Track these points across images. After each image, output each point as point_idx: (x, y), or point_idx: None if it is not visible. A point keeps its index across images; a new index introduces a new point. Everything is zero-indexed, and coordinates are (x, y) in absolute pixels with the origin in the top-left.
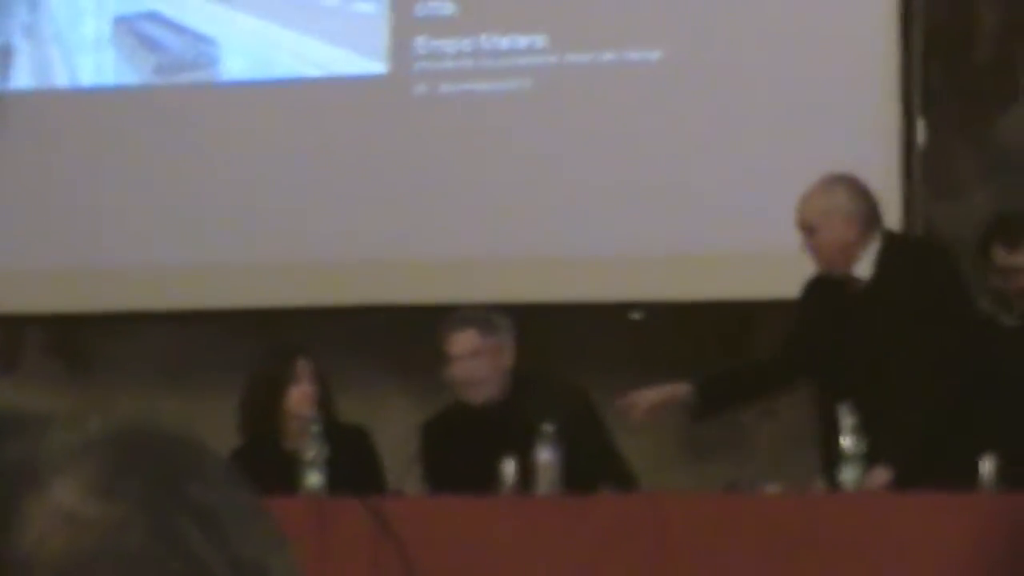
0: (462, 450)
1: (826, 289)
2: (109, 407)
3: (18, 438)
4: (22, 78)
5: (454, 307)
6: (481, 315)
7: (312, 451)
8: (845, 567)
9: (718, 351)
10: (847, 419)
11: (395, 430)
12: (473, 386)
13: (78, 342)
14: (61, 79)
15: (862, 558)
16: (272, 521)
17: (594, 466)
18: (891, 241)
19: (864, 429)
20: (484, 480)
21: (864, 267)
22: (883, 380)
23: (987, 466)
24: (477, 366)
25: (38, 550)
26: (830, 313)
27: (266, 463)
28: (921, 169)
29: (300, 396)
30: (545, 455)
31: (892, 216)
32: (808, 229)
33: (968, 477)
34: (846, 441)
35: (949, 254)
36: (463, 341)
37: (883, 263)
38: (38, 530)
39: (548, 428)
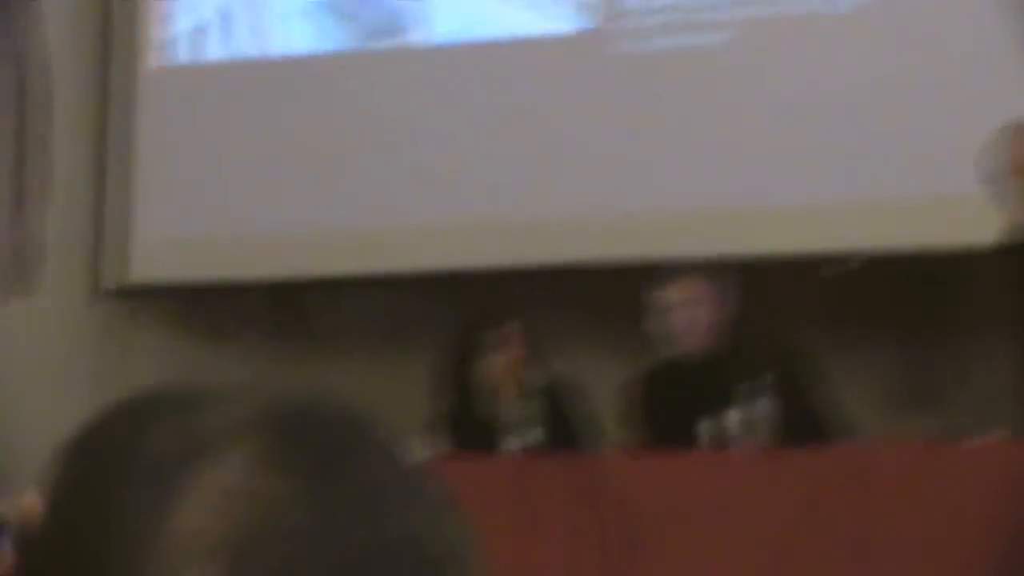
0: (671, 407)
1: None
2: (331, 380)
3: (189, 414)
4: (235, 46)
5: (657, 263)
6: (701, 265)
7: (514, 415)
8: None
9: (918, 301)
10: None
11: (603, 388)
12: (694, 334)
13: (296, 307)
14: (275, 46)
15: None
16: (437, 494)
17: (807, 422)
18: None
19: None
20: (692, 435)
21: None
22: None
23: None
24: (698, 314)
25: (205, 524)
26: None
27: (466, 428)
28: None
29: (496, 365)
30: (762, 407)
31: None
32: (1014, 170)
33: None
34: None
35: None
36: (689, 287)
37: None
38: (206, 504)
39: (765, 381)
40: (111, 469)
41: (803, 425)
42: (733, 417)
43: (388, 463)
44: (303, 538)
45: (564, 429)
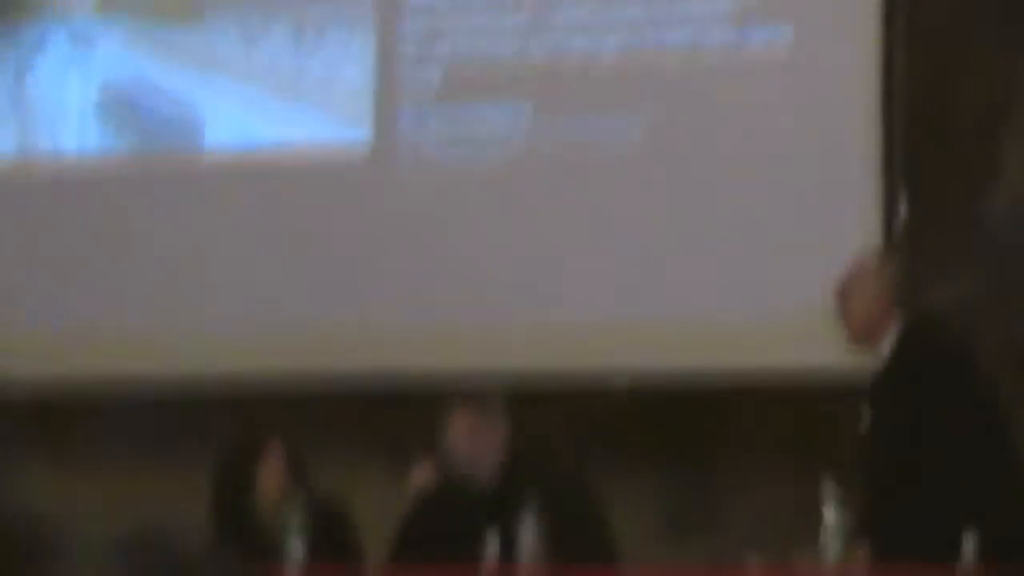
0: (454, 524)
1: None
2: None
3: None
4: (5, 144)
5: (435, 376)
6: (479, 395)
7: (293, 522)
8: None
9: (693, 423)
10: (830, 490)
11: (375, 508)
12: (473, 465)
13: (65, 420)
14: (44, 145)
15: None
16: None
17: (582, 543)
18: (914, 322)
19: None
20: (469, 554)
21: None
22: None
23: (970, 541)
24: (476, 445)
25: None
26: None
27: (242, 541)
28: (904, 247)
29: (268, 476)
30: (529, 527)
31: None
32: (840, 295)
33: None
34: (829, 513)
35: (962, 341)
36: (464, 420)
37: (899, 346)
38: None
39: (533, 501)
40: None
41: (578, 551)
42: (495, 541)
43: None
44: None
45: (337, 547)
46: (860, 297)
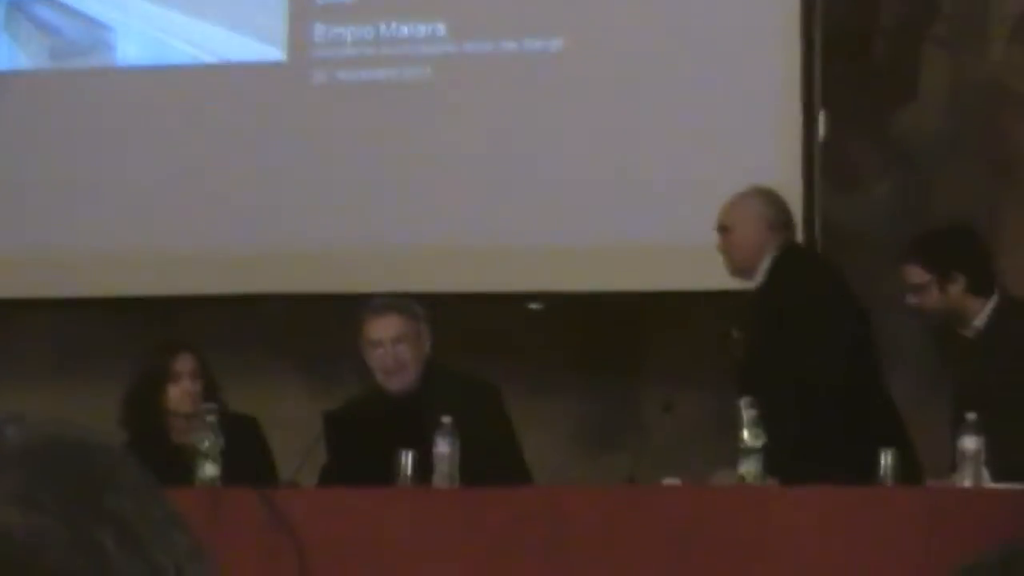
0: (368, 441)
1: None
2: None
3: None
4: None
5: (350, 296)
6: (403, 302)
7: (205, 442)
8: (741, 559)
9: (612, 341)
10: (747, 413)
11: (291, 420)
12: (396, 373)
13: None
14: None
15: (758, 551)
16: (188, 530)
17: (494, 460)
18: (786, 251)
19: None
20: (387, 471)
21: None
22: (760, 384)
23: (887, 459)
24: (401, 351)
25: None
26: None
27: (154, 458)
28: (821, 164)
29: (179, 393)
30: (443, 447)
31: (793, 210)
32: (723, 229)
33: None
34: (745, 435)
35: (829, 266)
36: (388, 326)
37: (772, 272)
38: None
39: (447, 420)
40: None
41: (485, 464)
42: (408, 458)
43: (147, 493)
44: (65, 570)
45: (253, 459)
46: (740, 232)
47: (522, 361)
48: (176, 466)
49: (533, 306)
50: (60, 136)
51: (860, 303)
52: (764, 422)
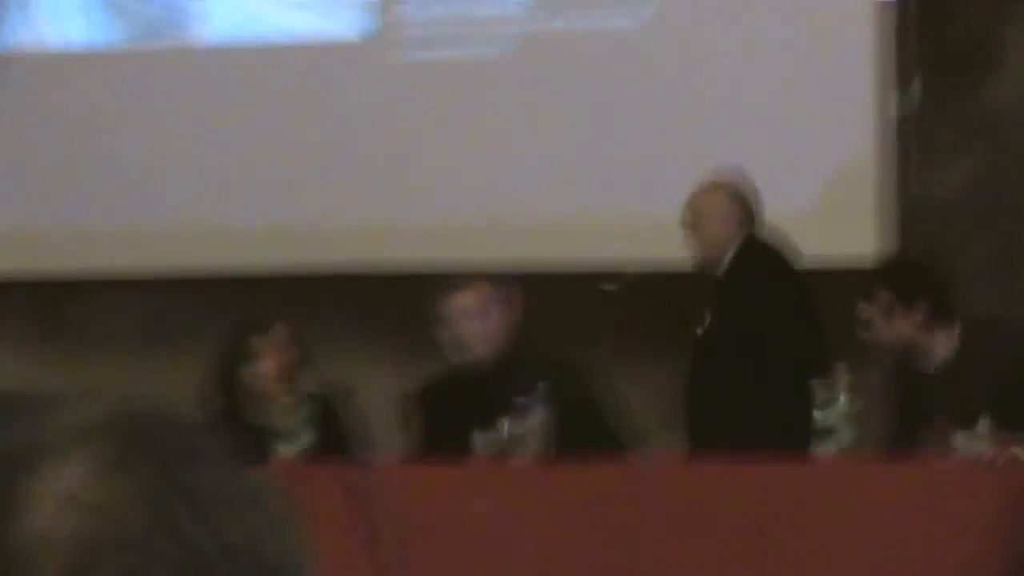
0: (450, 417)
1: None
2: (94, 381)
3: (21, 421)
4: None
5: (435, 274)
6: (485, 278)
7: (291, 418)
8: (817, 534)
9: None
10: (823, 392)
11: (371, 397)
12: (481, 342)
13: (54, 306)
14: (50, 39)
15: (846, 523)
16: (274, 504)
17: (584, 432)
18: (747, 243)
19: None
20: (468, 445)
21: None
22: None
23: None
24: (486, 319)
25: (43, 533)
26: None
27: (236, 434)
28: (903, 139)
29: (264, 371)
30: (536, 417)
31: (870, 186)
32: (690, 225)
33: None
34: (825, 414)
35: (786, 256)
36: (474, 296)
37: (734, 263)
38: (43, 513)
39: (541, 388)
40: None
41: (580, 436)
42: (505, 427)
43: (227, 469)
44: (143, 544)
45: (335, 436)
46: (708, 230)
47: (614, 338)
48: (259, 443)
49: (608, 287)
50: (139, 115)
51: (812, 291)
52: (721, 393)
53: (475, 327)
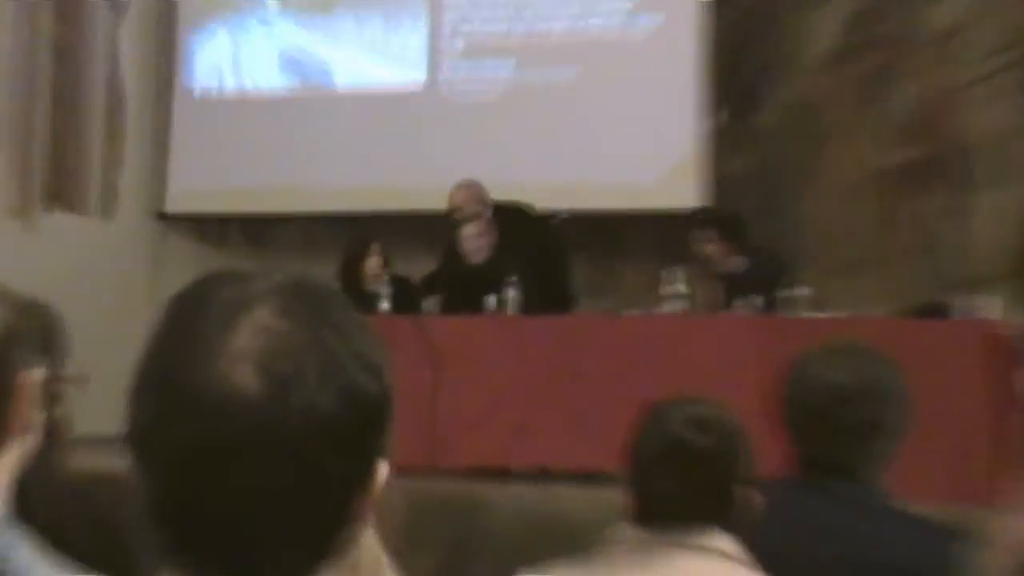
0: (464, 290)
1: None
2: (280, 268)
3: (233, 284)
4: (232, 83)
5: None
6: (483, 216)
7: (382, 292)
8: (676, 355)
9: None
10: (672, 274)
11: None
12: (476, 253)
13: (255, 230)
14: (251, 83)
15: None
16: (373, 333)
17: (541, 300)
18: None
19: None
20: (478, 305)
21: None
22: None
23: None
24: (478, 241)
25: (247, 346)
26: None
27: (355, 298)
28: (716, 141)
29: (373, 264)
30: (511, 292)
31: (697, 166)
32: (457, 209)
33: None
34: (671, 287)
35: (529, 214)
36: (472, 228)
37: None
38: (247, 335)
39: (514, 278)
40: (197, 309)
41: (543, 303)
42: (492, 301)
43: (348, 313)
44: (302, 353)
45: (402, 302)
46: (469, 206)
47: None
48: (368, 302)
49: (560, 216)
50: (305, 129)
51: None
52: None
53: (472, 243)
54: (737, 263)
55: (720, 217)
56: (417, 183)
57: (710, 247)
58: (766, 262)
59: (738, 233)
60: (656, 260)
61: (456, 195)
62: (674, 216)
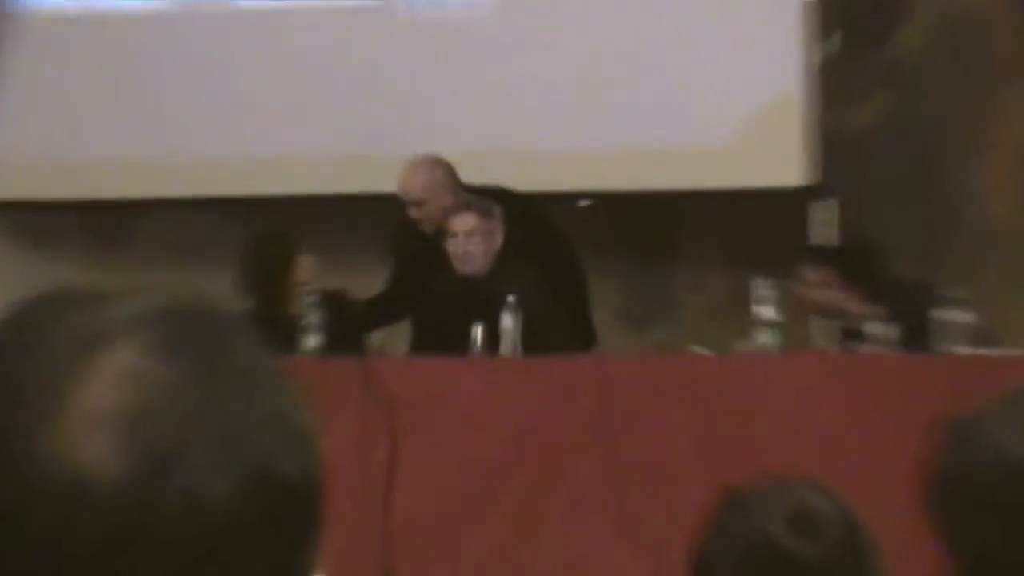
0: (447, 315)
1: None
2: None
3: (82, 309)
4: None
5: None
6: (482, 202)
7: (310, 319)
8: (761, 419)
9: (652, 237)
10: (763, 291)
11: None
12: (467, 260)
13: (107, 223)
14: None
15: (772, 412)
16: (295, 384)
17: (554, 331)
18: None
19: None
20: (462, 341)
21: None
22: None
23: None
24: (474, 243)
25: (102, 401)
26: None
27: (269, 327)
28: (824, 80)
29: (299, 275)
30: (507, 322)
31: (796, 121)
32: (416, 202)
33: None
34: (762, 310)
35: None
36: (465, 222)
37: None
38: (103, 384)
39: (511, 299)
40: (24, 350)
41: (543, 336)
42: (479, 331)
43: (258, 353)
44: (188, 414)
45: (341, 334)
46: (434, 200)
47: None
48: (285, 334)
49: (582, 203)
50: (183, 62)
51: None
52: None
53: (463, 246)
54: (867, 313)
55: (840, 252)
56: (363, 152)
57: (827, 292)
58: (909, 302)
59: (868, 271)
60: (729, 267)
61: (409, 180)
62: (758, 196)
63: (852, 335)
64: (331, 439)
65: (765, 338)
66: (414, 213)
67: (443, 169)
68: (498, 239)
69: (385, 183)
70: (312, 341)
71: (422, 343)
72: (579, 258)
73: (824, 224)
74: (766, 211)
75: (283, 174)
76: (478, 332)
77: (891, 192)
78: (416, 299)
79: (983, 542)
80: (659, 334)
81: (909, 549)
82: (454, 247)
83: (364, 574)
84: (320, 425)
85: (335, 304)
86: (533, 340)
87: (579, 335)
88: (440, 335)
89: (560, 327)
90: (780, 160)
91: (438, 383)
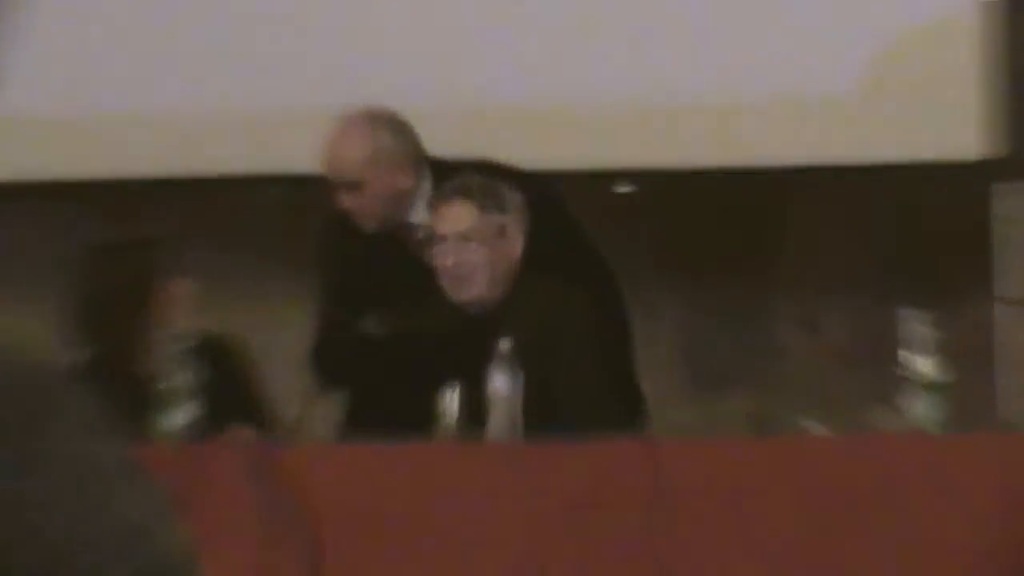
0: (416, 373)
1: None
2: None
3: None
4: None
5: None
6: (486, 185)
7: (174, 379)
8: (880, 518)
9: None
10: (917, 330)
11: (291, 346)
12: (462, 280)
13: None
14: None
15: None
16: (150, 482)
17: (595, 399)
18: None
19: None
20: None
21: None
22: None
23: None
24: (472, 251)
25: None
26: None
27: (115, 391)
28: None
29: (176, 294)
30: (500, 384)
31: (967, 62)
32: (349, 185)
33: None
34: (915, 360)
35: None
36: (458, 216)
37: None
38: None
39: (504, 347)
40: None
41: (574, 406)
42: (454, 397)
43: (95, 438)
44: (3, 530)
45: (228, 400)
46: (378, 181)
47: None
48: (141, 403)
49: (621, 189)
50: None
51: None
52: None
53: (451, 259)
54: None
55: None
56: (269, 109)
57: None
58: None
59: None
60: (859, 291)
61: (339, 151)
62: (906, 175)
63: None
64: (218, 562)
65: (920, 407)
66: (347, 202)
67: (391, 133)
68: (515, 246)
69: (304, 158)
70: (181, 415)
71: (360, 418)
72: (615, 277)
73: (1014, 219)
74: (921, 199)
75: (138, 144)
76: (453, 399)
77: None
78: (361, 344)
79: None
80: (745, 400)
81: None
82: (441, 257)
83: None
84: (193, 542)
85: (219, 355)
86: (546, 411)
87: (619, 402)
88: (395, 404)
89: (601, 392)
90: (943, 122)
91: (386, 485)
